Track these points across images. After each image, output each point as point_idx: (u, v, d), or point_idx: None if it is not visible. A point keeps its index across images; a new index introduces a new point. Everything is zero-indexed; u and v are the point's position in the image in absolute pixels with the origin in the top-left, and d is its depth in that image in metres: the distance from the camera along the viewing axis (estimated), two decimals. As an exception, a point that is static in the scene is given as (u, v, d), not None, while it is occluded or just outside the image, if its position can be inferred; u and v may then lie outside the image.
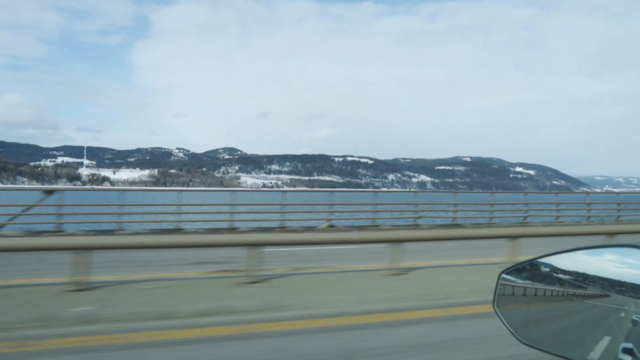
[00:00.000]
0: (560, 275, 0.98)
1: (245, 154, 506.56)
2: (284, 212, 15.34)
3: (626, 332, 0.74)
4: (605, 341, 0.81)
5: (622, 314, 0.77)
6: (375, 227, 15.59)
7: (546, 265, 1.01)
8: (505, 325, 1.03)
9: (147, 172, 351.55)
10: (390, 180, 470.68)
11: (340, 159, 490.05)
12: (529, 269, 1.05)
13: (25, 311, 5.10)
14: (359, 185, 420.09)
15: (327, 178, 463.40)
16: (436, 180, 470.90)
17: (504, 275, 1.09)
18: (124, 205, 14.01)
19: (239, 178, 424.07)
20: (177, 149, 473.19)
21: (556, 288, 0.98)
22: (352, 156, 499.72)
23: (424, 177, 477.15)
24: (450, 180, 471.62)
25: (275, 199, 17.72)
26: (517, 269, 1.07)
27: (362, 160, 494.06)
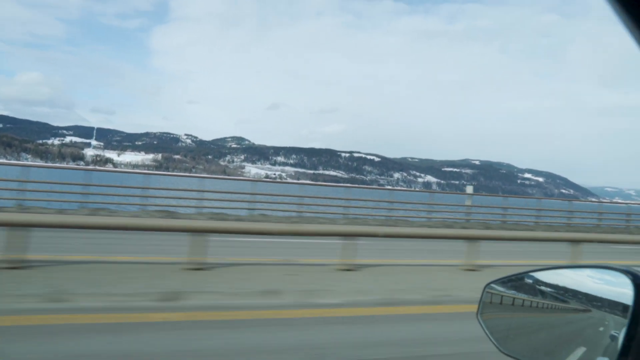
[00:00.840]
0: (545, 289, 1.01)
1: (253, 144, 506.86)
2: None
3: (604, 347, 0.76)
4: (583, 355, 0.83)
5: (601, 329, 0.79)
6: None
7: (532, 279, 1.04)
8: (487, 334, 1.05)
9: (151, 156, 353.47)
10: (396, 179, 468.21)
11: (347, 155, 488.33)
12: (515, 282, 1.07)
13: None
14: (363, 182, 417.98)
15: (332, 173, 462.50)
16: (442, 182, 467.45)
17: (490, 286, 1.10)
18: (147, 188, 15.61)
19: (243, 167, 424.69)
20: (186, 135, 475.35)
21: (540, 300, 1.01)
22: (359, 152, 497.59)
23: (430, 178, 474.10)
24: (457, 182, 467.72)
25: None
26: (503, 281, 1.09)
27: (369, 157, 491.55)
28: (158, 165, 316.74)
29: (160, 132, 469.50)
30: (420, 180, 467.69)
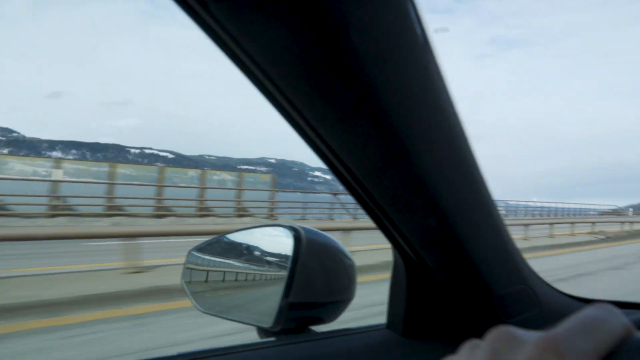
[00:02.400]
0: (242, 250, 1.08)
1: (24, 136, 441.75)
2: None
3: (281, 295, 0.84)
4: (267, 306, 0.91)
5: (282, 281, 0.87)
6: None
7: (232, 240, 1.11)
8: (189, 296, 1.12)
9: None
10: (190, 176, 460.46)
11: (138, 151, 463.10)
12: (216, 244, 1.13)
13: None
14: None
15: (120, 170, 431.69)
16: (237, 179, 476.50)
17: (192, 252, 1.16)
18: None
19: (6, 164, 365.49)
20: None
21: (239, 262, 1.08)
22: (151, 149, 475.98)
23: (225, 176, 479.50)
24: (252, 180, 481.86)
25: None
26: (205, 245, 1.15)
27: (162, 154, 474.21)
28: None
29: None
30: (215, 178, 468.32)
